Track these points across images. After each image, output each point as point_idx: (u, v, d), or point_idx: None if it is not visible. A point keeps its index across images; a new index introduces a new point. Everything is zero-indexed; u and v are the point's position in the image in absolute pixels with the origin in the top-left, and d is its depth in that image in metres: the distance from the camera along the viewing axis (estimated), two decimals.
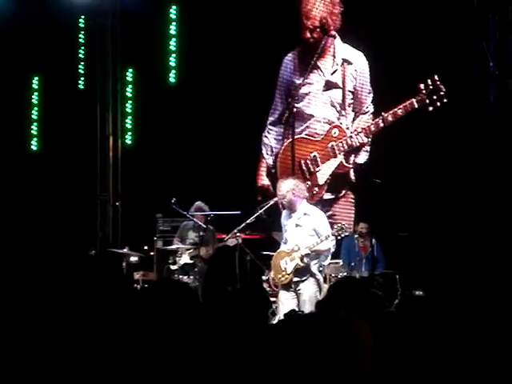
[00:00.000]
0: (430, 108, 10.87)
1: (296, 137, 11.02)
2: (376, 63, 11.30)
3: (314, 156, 11.38)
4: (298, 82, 11.53)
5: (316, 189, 11.34)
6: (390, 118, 10.96)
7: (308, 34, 11.44)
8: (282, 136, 11.82)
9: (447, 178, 11.01)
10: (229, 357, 3.42)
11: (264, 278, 9.81)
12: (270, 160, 11.90)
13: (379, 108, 11.18)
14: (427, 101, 10.86)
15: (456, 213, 10.87)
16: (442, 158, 11.07)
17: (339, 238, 9.11)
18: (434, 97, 10.83)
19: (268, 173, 11.85)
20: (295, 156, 10.88)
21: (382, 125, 11.02)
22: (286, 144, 11.48)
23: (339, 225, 9.20)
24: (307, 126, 11.53)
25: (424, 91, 10.85)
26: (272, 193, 10.62)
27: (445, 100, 10.81)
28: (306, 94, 11.51)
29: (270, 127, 11.88)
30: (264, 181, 11.80)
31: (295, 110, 10.65)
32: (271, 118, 11.85)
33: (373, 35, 11.14)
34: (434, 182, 11.09)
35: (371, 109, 11.45)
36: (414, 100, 10.89)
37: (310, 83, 11.47)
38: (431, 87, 10.83)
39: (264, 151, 11.90)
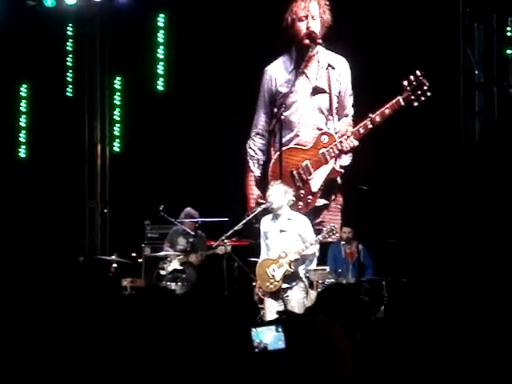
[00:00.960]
0: (415, 103, 10.89)
1: (286, 147, 11.08)
2: (360, 68, 11.35)
3: (306, 164, 11.40)
4: (284, 90, 11.54)
5: (310, 197, 11.36)
6: (377, 119, 10.99)
7: (295, 43, 11.48)
8: (267, 146, 11.83)
9: (433, 185, 11.08)
10: (213, 363, 3.45)
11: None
12: (257, 172, 11.89)
13: (364, 111, 11.21)
14: (412, 97, 10.89)
15: (442, 218, 10.95)
16: (428, 165, 11.14)
17: (330, 240, 9.17)
18: (419, 92, 10.86)
19: (257, 184, 11.85)
20: (287, 166, 10.94)
21: (370, 126, 11.05)
22: (276, 155, 11.50)
23: (329, 226, 9.26)
24: (296, 134, 11.54)
25: (408, 87, 10.90)
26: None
27: (429, 94, 10.84)
28: (294, 102, 11.53)
29: (254, 138, 11.85)
30: (255, 191, 11.81)
31: (283, 118, 10.71)
32: (255, 130, 11.83)
33: (357, 40, 11.18)
34: (419, 189, 11.16)
35: (351, 112, 11.51)
36: (399, 98, 10.92)
37: (296, 91, 11.50)
38: (415, 83, 10.87)
39: (251, 163, 11.88)
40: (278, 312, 8.21)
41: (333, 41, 11.36)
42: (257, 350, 4.60)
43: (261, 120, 11.79)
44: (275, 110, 11.63)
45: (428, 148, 11.11)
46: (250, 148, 11.85)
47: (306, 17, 11.36)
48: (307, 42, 11.35)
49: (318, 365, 3.43)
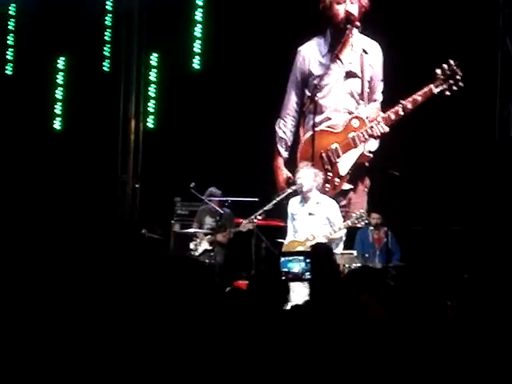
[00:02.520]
0: (448, 93, 10.85)
1: (317, 129, 11.08)
2: (394, 55, 11.32)
3: (336, 147, 11.40)
4: (317, 73, 11.54)
5: (337, 180, 11.37)
6: (409, 106, 10.97)
7: (331, 26, 11.46)
8: (296, 127, 11.84)
9: (466, 173, 11.05)
10: (244, 340, 3.49)
11: None
12: (284, 153, 11.92)
13: (396, 98, 11.18)
14: (445, 86, 10.85)
15: (472, 208, 10.93)
16: (461, 152, 11.11)
17: (359, 225, 9.17)
18: (451, 81, 10.82)
19: (285, 165, 11.88)
20: (317, 148, 10.94)
21: (401, 113, 11.03)
22: (306, 136, 11.51)
23: (358, 213, 9.26)
24: (327, 117, 11.54)
25: (442, 76, 10.86)
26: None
27: (461, 84, 10.80)
28: (326, 85, 11.52)
29: (284, 118, 11.87)
30: (284, 171, 11.84)
31: (316, 99, 10.71)
32: (285, 110, 11.84)
33: (392, 28, 11.18)
34: (451, 177, 11.13)
35: (380, 97, 11.49)
36: (432, 86, 10.88)
37: (329, 74, 11.49)
38: (448, 72, 10.83)
39: (279, 145, 11.92)
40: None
41: (368, 26, 11.34)
42: (283, 277, 4.66)
43: (292, 101, 11.80)
44: (307, 91, 11.64)
45: (462, 135, 11.08)
46: (280, 128, 11.88)
47: (345, 0, 11.34)
48: (342, 24, 11.32)
49: (359, 339, 3.48)
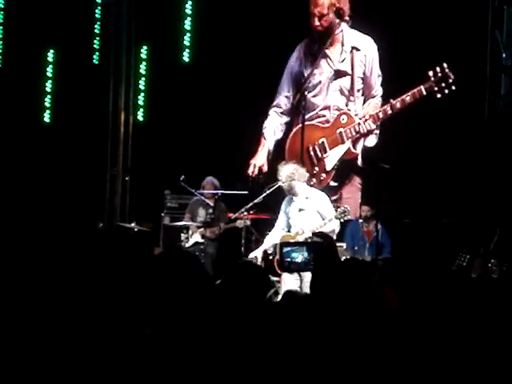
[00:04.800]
0: (438, 95, 10.89)
1: (305, 123, 11.08)
2: (385, 49, 11.33)
3: (322, 142, 11.42)
4: (307, 72, 11.53)
5: (323, 175, 11.39)
6: (398, 105, 10.99)
7: (316, 22, 11.40)
8: (287, 125, 11.83)
9: (455, 167, 11.09)
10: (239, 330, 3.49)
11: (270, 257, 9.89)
12: (271, 147, 11.92)
13: (387, 93, 11.21)
14: (436, 88, 10.88)
15: (462, 201, 10.96)
16: (450, 147, 11.14)
17: (342, 220, 9.21)
18: (443, 84, 10.85)
19: (267, 158, 11.86)
20: (303, 141, 10.95)
21: (389, 112, 11.07)
22: (294, 130, 11.52)
23: (342, 208, 9.29)
24: (316, 114, 11.55)
25: (433, 78, 10.88)
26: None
27: (453, 87, 10.84)
28: (316, 84, 11.51)
29: (272, 115, 11.86)
30: (258, 160, 11.80)
31: (306, 95, 10.73)
32: (275, 108, 11.84)
33: (382, 21, 11.17)
34: (441, 170, 11.17)
35: (380, 92, 11.48)
36: (422, 87, 10.91)
37: (320, 72, 11.49)
38: (440, 74, 10.85)
39: (267, 138, 11.92)
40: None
41: (359, 22, 11.34)
42: (286, 264, 4.66)
43: (282, 98, 11.79)
44: (296, 90, 11.62)
45: (451, 129, 11.10)
46: (268, 126, 11.85)
47: None
48: (328, 21, 11.29)
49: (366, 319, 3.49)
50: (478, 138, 10.89)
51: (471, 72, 10.99)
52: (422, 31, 11.11)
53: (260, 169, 11.61)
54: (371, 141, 11.45)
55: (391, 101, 11.01)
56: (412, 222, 11.05)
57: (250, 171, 11.60)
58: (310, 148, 11.36)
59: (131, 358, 3.09)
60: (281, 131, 11.84)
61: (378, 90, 11.51)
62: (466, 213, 10.88)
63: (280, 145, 11.81)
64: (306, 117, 11.18)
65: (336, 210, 9.26)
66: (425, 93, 10.90)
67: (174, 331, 3.17)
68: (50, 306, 3.77)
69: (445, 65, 10.83)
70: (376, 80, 11.50)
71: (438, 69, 10.84)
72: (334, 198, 11.08)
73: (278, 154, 11.68)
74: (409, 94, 10.94)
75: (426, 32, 11.07)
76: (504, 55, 10.96)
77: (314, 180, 11.07)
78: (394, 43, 11.20)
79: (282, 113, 11.82)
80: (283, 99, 11.79)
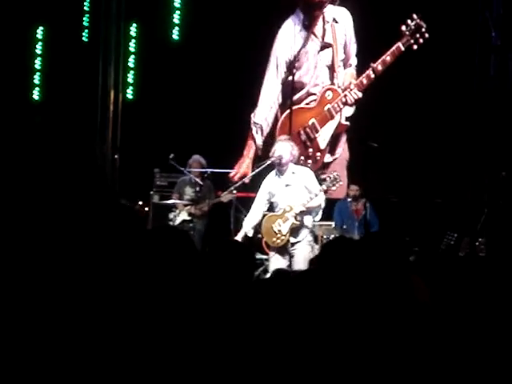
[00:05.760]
0: (415, 47, 11.00)
1: (292, 108, 11.10)
2: (363, 20, 11.40)
3: (313, 123, 11.43)
4: (295, 50, 11.52)
5: (318, 154, 11.41)
6: (379, 68, 11.03)
7: (301, 2, 11.46)
8: (275, 113, 11.83)
9: (443, 147, 11.13)
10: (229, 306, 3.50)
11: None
12: (259, 139, 11.92)
13: (367, 61, 11.26)
14: (411, 40, 10.99)
15: (450, 181, 11.02)
16: (439, 127, 11.18)
17: (334, 188, 9.10)
18: (417, 35, 10.96)
19: (256, 150, 11.88)
20: (294, 126, 10.97)
21: (372, 76, 11.10)
22: (283, 116, 11.52)
23: (332, 175, 9.17)
24: (307, 93, 11.55)
25: (407, 32, 10.97)
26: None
27: (426, 35, 10.92)
28: (304, 62, 11.53)
29: (261, 106, 11.85)
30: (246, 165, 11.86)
31: (293, 76, 10.76)
32: (265, 98, 11.83)
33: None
34: (430, 149, 11.21)
35: (355, 61, 11.57)
36: (399, 43, 11.02)
37: (306, 51, 11.51)
38: (413, 26, 10.95)
39: (254, 130, 11.93)
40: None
41: None
42: None
43: (270, 86, 11.78)
44: (286, 72, 11.62)
45: (441, 108, 11.14)
46: (255, 117, 11.86)
47: None
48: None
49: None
50: (467, 117, 10.94)
51: (461, 51, 11.01)
52: (411, 10, 11.12)
53: (244, 175, 11.59)
54: (348, 111, 11.48)
55: (372, 64, 11.04)
56: (400, 201, 11.10)
57: (231, 175, 11.67)
58: (302, 132, 11.37)
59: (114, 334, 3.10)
60: (268, 122, 11.86)
61: (353, 59, 11.58)
62: (454, 193, 10.95)
63: (269, 132, 11.83)
64: (296, 97, 11.20)
65: (326, 180, 9.12)
66: (403, 48, 11.02)
67: (164, 309, 3.19)
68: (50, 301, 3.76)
69: (415, 15, 10.91)
70: (352, 48, 11.56)
71: (409, 21, 10.93)
72: (323, 176, 11.10)
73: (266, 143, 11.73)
74: (388, 53, 11.00)
75: (415, 11, 11.08)
76: (493, 35, 10.98)
77: (310, 161, 11.10)
78: (371, 14, 11.23)
79: (270, 102, 11.80)
80: (271, 86, 11.77)
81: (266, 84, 11.83)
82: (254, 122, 11.89)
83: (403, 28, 10.90)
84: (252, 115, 11.91)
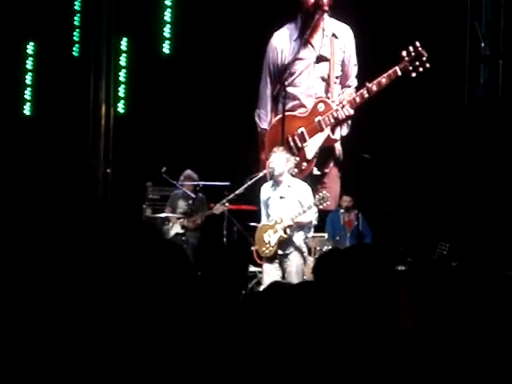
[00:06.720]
0: (413, 74, 10.88)
1: (284, 114, 11.10)
2: (362, 38, 11.38)
3: (302, 132, 11.43)
4: (289, 59, 11.52)
5: (305, 164, 11.41)
6: (374, 88, 10.98)
7: (301, 12, 11.45)
8: (271, 114, 11.84)
9: (435, 157, 11.15)
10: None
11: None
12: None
13: (364, 80, 11.25)
14: (410, 67, 10.87)
15: (442, 190, 11.03)
16: (430, 137, 11.20)
17: (321, 207, 9.18)
18: (417, 63, 10.84)
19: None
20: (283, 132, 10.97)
21: (366, 95, 11.05)
22: (274, 120, 11.54)
23: (321, 194, 9.24)
24: (299, 103, 11.56)
25: (406, 58, 10.89)
26: None
27: (427, 65, 10.83)
28: (298, 71, 11.52)
29: (261, 110, 11.86)
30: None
31: (286, 84, 10.74)
32: (262, 101, 11.83)
33: (360, 9, 11.20)
34: (421, 160, 11.23)
35: (355, 83, 11.51)
36: (397, 68, 10.90)
37: (301, 59, 11.50)
38: (413, 53, 10.85)
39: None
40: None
41: (338, 10, 11.37)
42: None
43: (267, 90, 11.78)
44: (281, 77, 11.63)
45: (432, 119, 11.16)
46: (260, 119, 11.88)
47: None
48: (312, 9, 11.32)
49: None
50: (458, 127, 10.96)
51: (451, 61, 11.04)
52: (401, 21, 11.15)
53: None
54: (344, 130, 11.48)
55: (367, 84, 11.00)
56: (393, 211, 11.10)
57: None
58: (290, 139, 11.37)
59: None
60: (266, 124, 11.88)
61: (353, 81, 11.54)
62: (446, 202, 10.96)
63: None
64: (289, 106, 11.20)
65: (315, 197, 9.20)
66: (400, 73, 10.89)
67: (157, 323, 3.18)
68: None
69: (417, 43, 10.82)
70: (352, 69, 11.53)
71: (410, 48, 10.85)
72: (317, 187, 11.11)
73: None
74: (384, 75, 10.95)
75: (405, 22, 11.11)
76: (483, 44, 11.03)
77: (296, 170, 11.11)
78: (370, 32, 11.23)
79: (266, 106, 11.80)
80: (268, 92, 11.77)
81: (261, 90, 11.84)
82: (262, 129, 11.88)
83: (403, 53, 10.85)
84: (256, 119, 11.87)
